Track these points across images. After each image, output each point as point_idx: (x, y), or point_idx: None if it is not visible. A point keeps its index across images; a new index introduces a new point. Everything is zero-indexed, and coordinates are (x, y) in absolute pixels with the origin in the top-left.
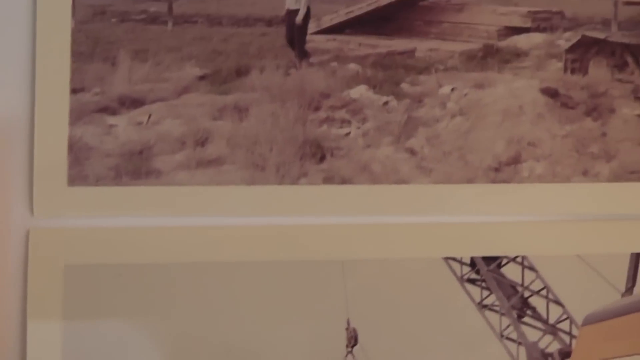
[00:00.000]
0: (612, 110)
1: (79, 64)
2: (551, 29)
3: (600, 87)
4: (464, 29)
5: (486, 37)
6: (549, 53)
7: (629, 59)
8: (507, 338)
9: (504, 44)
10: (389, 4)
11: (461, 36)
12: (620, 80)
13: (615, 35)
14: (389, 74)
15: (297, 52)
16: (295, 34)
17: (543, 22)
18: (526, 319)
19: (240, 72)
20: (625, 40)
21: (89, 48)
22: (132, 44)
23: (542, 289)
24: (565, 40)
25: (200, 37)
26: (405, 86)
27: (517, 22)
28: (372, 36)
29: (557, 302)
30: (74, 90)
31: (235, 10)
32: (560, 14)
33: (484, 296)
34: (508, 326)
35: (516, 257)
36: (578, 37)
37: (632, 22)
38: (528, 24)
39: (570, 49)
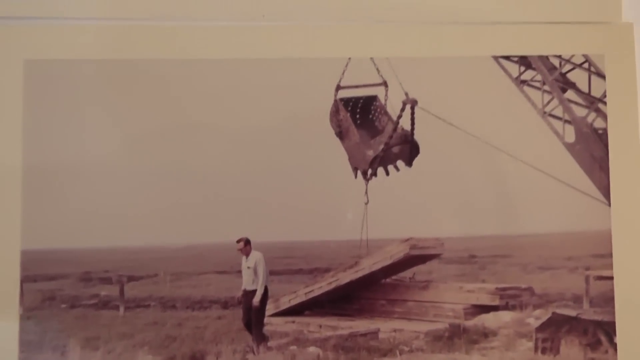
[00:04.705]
0: None
1: (27, 353)
2: (520, 306)
3: None
4: (429, 307)
5: (452, 316)
6: (518, 332)
7: (603, 337)
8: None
9: (471, 323)
10: (350, 283)
11: (427, 315)
12: None
13: (588, 313)
14: (351, 357)
15: (255, 336)
16: (253, 317)
17: (512, 299)
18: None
19: (196, 358)
20: (598, 317)
21: (38, 337)
22: (82, 332)
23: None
24: (535, 318)
25: (153, 322)
26: None
27: (484, 300)
28: (333, 317)
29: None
30: None
31: (189, 292)
32: (530, 290)
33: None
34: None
35: None
36: (549, 315)
37: (604, 298)
38: (496, 302)
39: (541, 328)
